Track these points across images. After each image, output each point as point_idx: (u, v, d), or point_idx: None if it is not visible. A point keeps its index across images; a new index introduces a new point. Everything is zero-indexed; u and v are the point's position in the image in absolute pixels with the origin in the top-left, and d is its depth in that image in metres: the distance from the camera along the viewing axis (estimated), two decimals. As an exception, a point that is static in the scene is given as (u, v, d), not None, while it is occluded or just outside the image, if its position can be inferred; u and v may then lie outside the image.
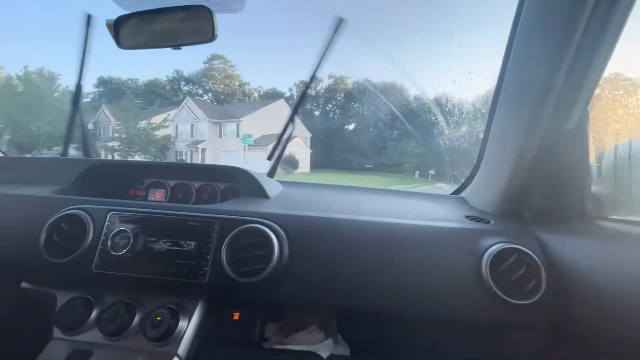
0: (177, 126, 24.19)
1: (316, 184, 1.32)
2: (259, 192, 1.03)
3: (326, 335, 0.84)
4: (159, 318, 0.78)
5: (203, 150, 22.01)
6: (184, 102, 24.67)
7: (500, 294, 0.72)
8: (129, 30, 0.97)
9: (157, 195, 1.26)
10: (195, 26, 0.90)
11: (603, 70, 0.74)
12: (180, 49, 0.95)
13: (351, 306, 0.78)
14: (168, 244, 0.82)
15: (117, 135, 21.15)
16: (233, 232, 0.80)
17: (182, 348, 0.78)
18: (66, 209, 0.87)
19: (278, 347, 0.81)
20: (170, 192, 1.26)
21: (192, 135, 23.63)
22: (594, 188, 0.80)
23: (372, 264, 0.79)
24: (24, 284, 0.91)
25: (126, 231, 0.84)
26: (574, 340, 0.71)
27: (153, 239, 0.83)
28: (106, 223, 0.85)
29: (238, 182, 1.08)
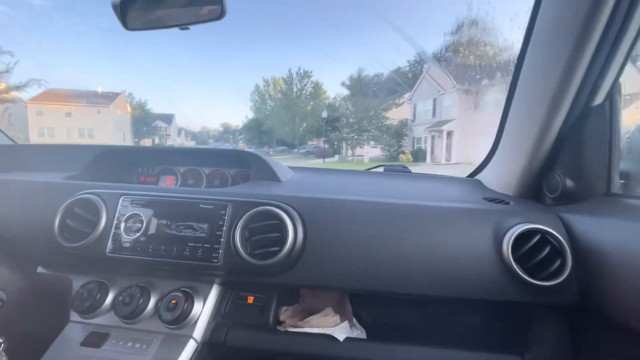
0: (414, 106, 18.25)
1: (328, 169, 1.30)
2: (271, 176, 1.01)
3: (342, 318, 0.83)
4: (174, 301, 0.77)
5: (449, 133, 14.61)
6: (424, 72, 17.78)
7: (523, 275, 0.70)
8: (135, 11, 0.94)
9: (168, 181, 1.25)
10: (203, 3, 0.87)
11: (636, 41, 0.69)
12: (189, 28, 0.92)
13: (367, 288, 0.77)
14: (181, 227, 0.81)
15: (353, 124, 19.55)
16: (246, 215, 0.78)
17: (198, 331, 0.78)
18: (79, 193, 0.87)
19: (293, 330, 0.81)
20: (180, 178, 1.25)
21: (434, 115, 16.60)
22: (622, 165, 0.76)
23: (388, 246, 0.77)
24: (40, 269, 0.91)
25: (139, 215, 0.83)
26: (600, 320, 0.69)
27: (166, 222, 0.82)
28: (119, 207, 0.85)
29: (248, 166, 1.07)
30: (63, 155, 1.20)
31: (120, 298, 0.78)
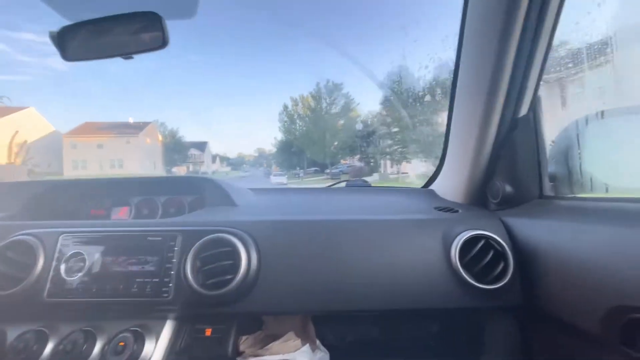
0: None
1: (290, 189, 1.30)
2: (226, 201, 0.99)
3: (303, 341, 0.82)
4: (122, 343, 0.72)
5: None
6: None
7: (471, 280, 0.73)
8: (74, 42, 0.92)
9: (121, 213, 1.19)
10: (145, 33, 0.87)
11: (547, 56, 0.77)
12: (132, 57, 0.91)
13: (327, 309, 0.76)
14: (127, 262, 0.77)
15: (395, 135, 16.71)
16: (197, 244, 0.76)
17: None
18: (12, 235, 0.80)
19: (253, 359, 0.78)
20: (134, 209, 1.20)
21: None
22: (550, 170, 0.83)
23: (344, 263, 0.77)
24: None
25: (81, 253, 0.78)
26: (546, 319, 0.72)
27: (111, 259, 0.77)
28: (58, 247, 0.79)
29: (203, 192, 1.04)
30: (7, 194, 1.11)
31: (61, 347, 0.72)
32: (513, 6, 0.68)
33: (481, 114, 0.83)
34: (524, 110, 0.83)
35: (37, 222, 0.88)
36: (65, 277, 0.76)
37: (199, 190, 1.08)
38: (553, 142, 0.85)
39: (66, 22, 0.92)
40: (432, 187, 1.23)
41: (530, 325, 0.77)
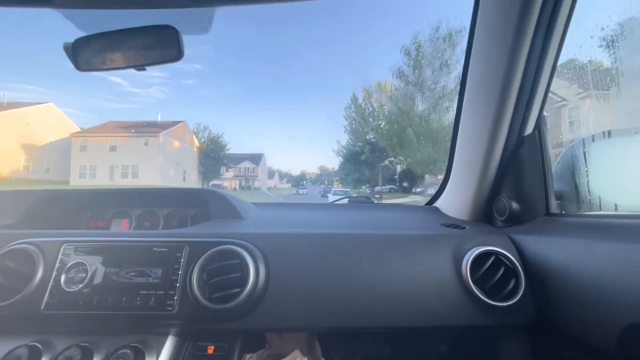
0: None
1: (292, 204, 1.29)
2: (232, 214, 0.98)
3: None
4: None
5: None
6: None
7: (482, 296, 0.72)
8: (88, 53, 0.93)
9: (122, 226, 1.17)
10: (160, 46, 0.88)
11: (552, 75, 0.80)
12: (145, 69, 0.92)
13: (335, 325, 0.74)
14: (131, 274, 0.74)
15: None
16: (204, 255, 0.74)
17: None
18: (12, 244, 0.78)
19: None
20: (135, 221, 1.17)
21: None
22: (556, 187, 0.84)
23: (353, 279, 0.76)
24: None
25: (83, 263, 0.76)
26: (559, 337, 0.71)
27: (114, 270, 0.75)
28: (59, 256, 0.77)
29: (208, 204, 1.03)
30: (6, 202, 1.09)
31: None
32: (521, 25, 0.71)
33: (489, 131, 0.85)
34: (529, 128, 0.86)
35: (38, 232, 0.85)
36: (65, 289, 0.73)
37: (203, 203, 1.07)
38: (559, 160, 0.86)
39: (81, 34, 0.93)
40: (436, 204, 1.24)
41: (543, 343, 0.75)
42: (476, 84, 0.88)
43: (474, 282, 0.73)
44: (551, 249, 0.72)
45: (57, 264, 0.76)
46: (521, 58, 0.76)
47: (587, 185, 0.78)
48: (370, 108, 19.18)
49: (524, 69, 0.78)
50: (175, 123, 26.02)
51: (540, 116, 0.84)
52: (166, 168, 23.94)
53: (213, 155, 28.37)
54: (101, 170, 23.07)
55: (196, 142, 28.22)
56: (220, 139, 29.49)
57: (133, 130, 24.29)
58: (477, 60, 0.86)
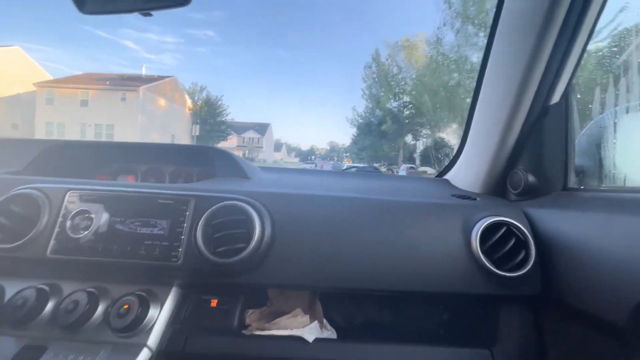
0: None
1: (297, 169, 1.27)
2: (238, 172, 0.96)
3: (312, 319, 0.79)
4: (126, 306, 0.69)
5: None
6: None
7: (490, 266, 0.70)
8: (92, -6, 0.87)
9: (127, 181, 1.16)
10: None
11: (587, 43, 0.74)
12: (152, 14, 0.86)
13: (338, 286, 0.74)
14: (136, 224, 0.74)
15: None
16: (210, 209, 0.73)
17: (152, 338, 0.70)
18: (17, 188, 0.77)
19: (260, 333, 0.76)
20: (140, 177, 1.17)
21: None
22: (577, 160, 0.80)
23: (360, 241, 0.75)
24: None
25: (88, 211, 0.75)
26: (562, 309, 0.70)
27: (119, 219, 0.74)
28: (65, 203, 0.76)
29: (215, 162, 1.01)
30: (6, 150, 1.08)
31: (62, 305, 0.69)
32: None
33: (512, 98, 0.80)
34: (556, 97, 0.80)
35: (43, 178, 0.84)
36: (71, 235, 0.73)
37: (210, 161, 1.05)
38: (584, 132, 0.82)
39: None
40: (447, 176, 1.21)
41: (547, 315, 0.75)
42: (504, 46, 0.82)
43: (482, 252, 0.72)
44: (567, 223, 0.70)
45: (63, 211, 0.75)
46: (558, 18, 0.69)
47: (613, 160, 0.74)
48: (395, 69, 15.76)
49: (559, 31, 0.71)
50: (161, 78, 21.67)
51: (569, 84, 0.78)
52: (148, 130, 20.62)
53: (209, 121, 25.19)
54: (70, 129, 19.64)
55: (189, 103, 24.40)
56: (219, 102, 26.23)
57: (108, 82, 20.27)
58: (507, 18, 0.79)
